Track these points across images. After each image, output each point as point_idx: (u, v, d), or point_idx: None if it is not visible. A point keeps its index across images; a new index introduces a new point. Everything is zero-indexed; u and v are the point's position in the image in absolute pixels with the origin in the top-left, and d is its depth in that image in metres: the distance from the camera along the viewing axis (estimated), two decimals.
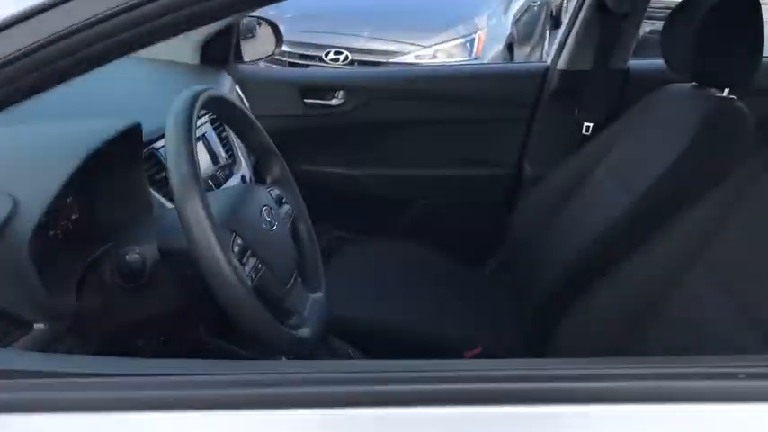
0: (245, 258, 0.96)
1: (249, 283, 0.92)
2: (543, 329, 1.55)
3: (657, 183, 1.41)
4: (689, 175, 1.39)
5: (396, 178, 2.18)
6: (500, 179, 2.18)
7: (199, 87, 1.00)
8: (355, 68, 4.03)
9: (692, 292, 1.08)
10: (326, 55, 4.43)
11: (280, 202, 1.17)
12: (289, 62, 4.55)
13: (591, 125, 2.02)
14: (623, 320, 1.21)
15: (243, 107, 1.14)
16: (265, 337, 0.92)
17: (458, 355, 1.61)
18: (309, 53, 4.49)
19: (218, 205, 1.02)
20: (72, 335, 0.97)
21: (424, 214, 2.21)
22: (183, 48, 2.02)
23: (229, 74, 2.07)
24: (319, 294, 1.17)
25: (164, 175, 1.33)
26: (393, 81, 2.14)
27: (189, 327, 1.15)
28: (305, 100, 2.12)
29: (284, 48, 4.56)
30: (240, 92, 2.07)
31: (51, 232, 1.03)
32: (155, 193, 1.26)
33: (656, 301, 1.14)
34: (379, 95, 2.12)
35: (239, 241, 0.96)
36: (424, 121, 2.16)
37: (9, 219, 0.88)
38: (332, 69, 3.66)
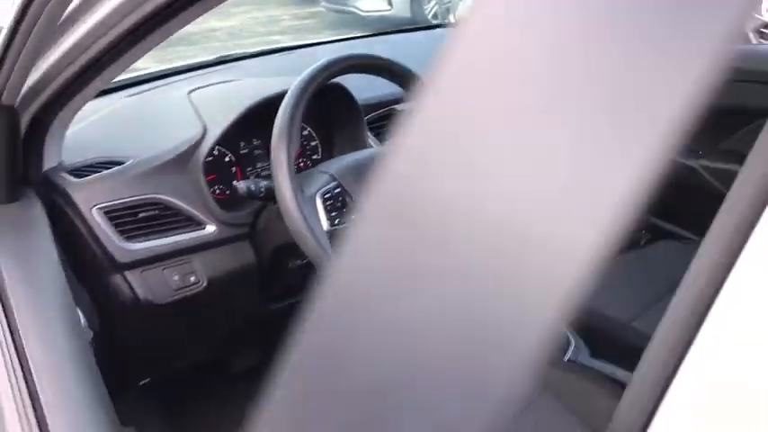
0: (340, 206, 1.08)
1: (324, 224, 1.06)
2: None
3: None
4: None
5: None
6: None
7: (355, 54, 1.14)
8: None
9: None
10: None
11: None
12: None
13: None
14: None
15: (414, 73, 1.22)
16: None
17: None
18: None
19: (350, 158, 1.17)
20: (241, 242, 1.26)
21: None
22: None
23: None
24: None
25: None
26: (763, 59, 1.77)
27: None
28: None
29: None
30: None
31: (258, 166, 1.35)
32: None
33: None
34: (742, 78, 1.79)
35: (337, 190, 1.09)
36: None
37: (198, 142, 1.21)
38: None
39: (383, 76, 1.22)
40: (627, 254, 1.81)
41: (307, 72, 1.10)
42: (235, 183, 1.14)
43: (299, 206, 1.02)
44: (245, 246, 1.27)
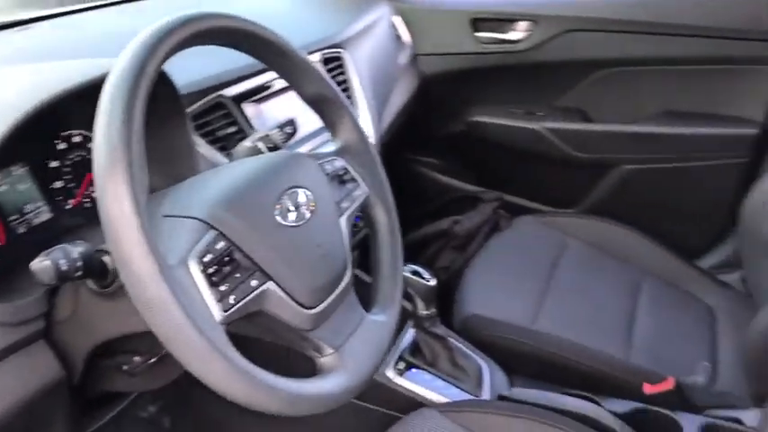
0: (230, 270, 0.63)
1: (216, 313, 0.60)
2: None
3: None
4: None
5: (591, 135, 1.69)
6: (737, 141, 1.58)
7: (187, 15, 0.67)
8: None
9: None
10: None
11: (341, 179, 0.82)
12: None
13: None
14: None
15: (278, 39, 0.79)
16: (245, 402, 0.60)
17: (636, 387, 1.20)
18: None
19: (211, 186, 0.71)
20: (30, 348, 0.74)
21: (626, 183, 1.70)
22: None
23: (390, 2, 1.73)
24: (381, 317, 0.81)
25: (233, 130, 1.05)
26: (593, 7, 1.62)
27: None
28: (477, 33, 1.70)
29: None
30: (400, 25, 1.72)
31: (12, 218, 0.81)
32: (210, 152, 0.99)
33: None
34: (573, 26, 1.63)
35: (219, 245, 0.64)
36: (632, 61, 1.63)
37: None
38: None
39: (247, 50, 0.77)
40: (492, 239, 1.57)
41: (138, 43, 0.62)
42: (31, 264, 0.62)
43: (171, 287, 0.56)
44: (40, 352, 0.75)
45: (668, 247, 1.57)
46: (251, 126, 1.07)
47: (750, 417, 1.14)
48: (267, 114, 1.10)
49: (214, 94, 1.04)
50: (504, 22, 1.68)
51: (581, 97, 1.71)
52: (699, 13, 1.54)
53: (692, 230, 1.67)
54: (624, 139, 1.66)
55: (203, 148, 0.98)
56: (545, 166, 1.76)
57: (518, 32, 1.68)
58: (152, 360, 0.79)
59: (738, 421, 1.15)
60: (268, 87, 1.13)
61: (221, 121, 1.04)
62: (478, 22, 1.70)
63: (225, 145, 1.02)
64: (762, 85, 1.55)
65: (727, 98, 1.60)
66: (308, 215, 0.73)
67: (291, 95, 1.16)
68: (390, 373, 1.17)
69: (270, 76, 1.11)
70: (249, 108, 1.08)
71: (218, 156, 0.98)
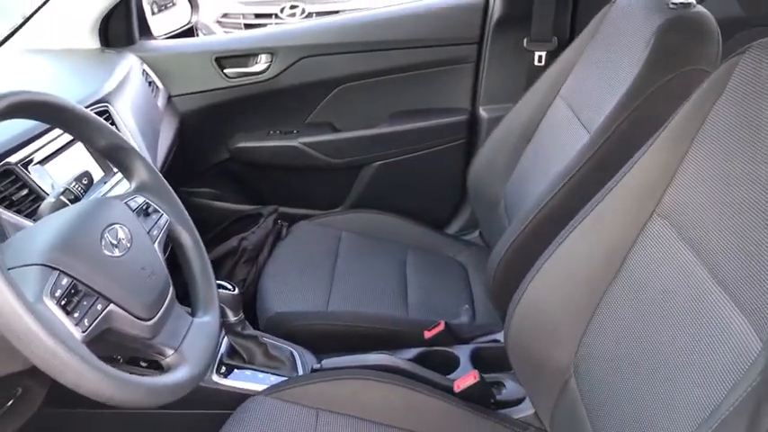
0: (78, 300, 0.76)
1: (77, 333, 0.74)
2: (505, 293, 1.39)
3: (611, 115, 1.20)
4: (646, 102, 1.17)
5: (341, 143, 1.96)
6: (454, 127, 1.95)
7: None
8: (276, 27, 3.85)
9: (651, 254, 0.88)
10: (282, 11, 4.28)
11: (145, 212, 0.97)
12: (244, 24, 4.38)
13: (543, 54, 1.79)
14: (586, 281, 1.00)
15: (69, 104, 0.92)
16: (113, 397, 0.74)
17: (419, 336, 1.45)
18: (265, 11, 4.33)
19: (41, 236, 0.83)
20: None
21: (378, 178, 2.00)
22: (79, 32, 1.80)
23: (136, 53, 1.85)
24: (206, 318, 0.98)
25: (24, 192, 1.13)
26: (319, 35, 1.90)
27: (27, 394, 0.96)
28: (224, 70, 1.89)
29: (239, 8, 4.38)
30: (150, 72, 1.84)
31: None
32: (13, 217, 1.06)
33: (615, 262, 0.94)
34: (306, 53, 1.89)
35: (64, 281, 0.76)
36: (361, 76, 1.93)
37: None
38: (249, 31, 3.40)
39: (45, 119, 0.89)
40: (277, 247, 1.77)
41: None
42: None
43: (37, 319, 0.68)
44: None
45: (422, 222, 1.89)
46: (42, 186, 1.15)
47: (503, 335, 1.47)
48: (59, 171, 1.19)
49: (3, 164, 1.11)
50: (246, 57, 1.89)
51: (327, 112, 1.97)
52: (405, 29, 1.89)
53: (437, 205, 2.02)
54: (367, 141, 1.95)
55: (3, 215, 1.06)
56: (309, 176, 2.00)
57: (260, 65, 1.89)
58: (8, 404, 0.87)
59: (497, 341, 1.47)
60: (52, 147, 1.21)
61: (11, 186, 1.11)
62: (222, 60, 1.88)
63: (20, 208, 1.09)
64: (464, 79, 1.94)
65: (441, 94, 1.96)
66: (128, 245, 0.88)
67: (76, 151, 1.26)
68: (215, 378, 1.32)
69: (51, 136, 1.19)
70: (38, 169, 1.16)
71: (18, 218, 1.06)
